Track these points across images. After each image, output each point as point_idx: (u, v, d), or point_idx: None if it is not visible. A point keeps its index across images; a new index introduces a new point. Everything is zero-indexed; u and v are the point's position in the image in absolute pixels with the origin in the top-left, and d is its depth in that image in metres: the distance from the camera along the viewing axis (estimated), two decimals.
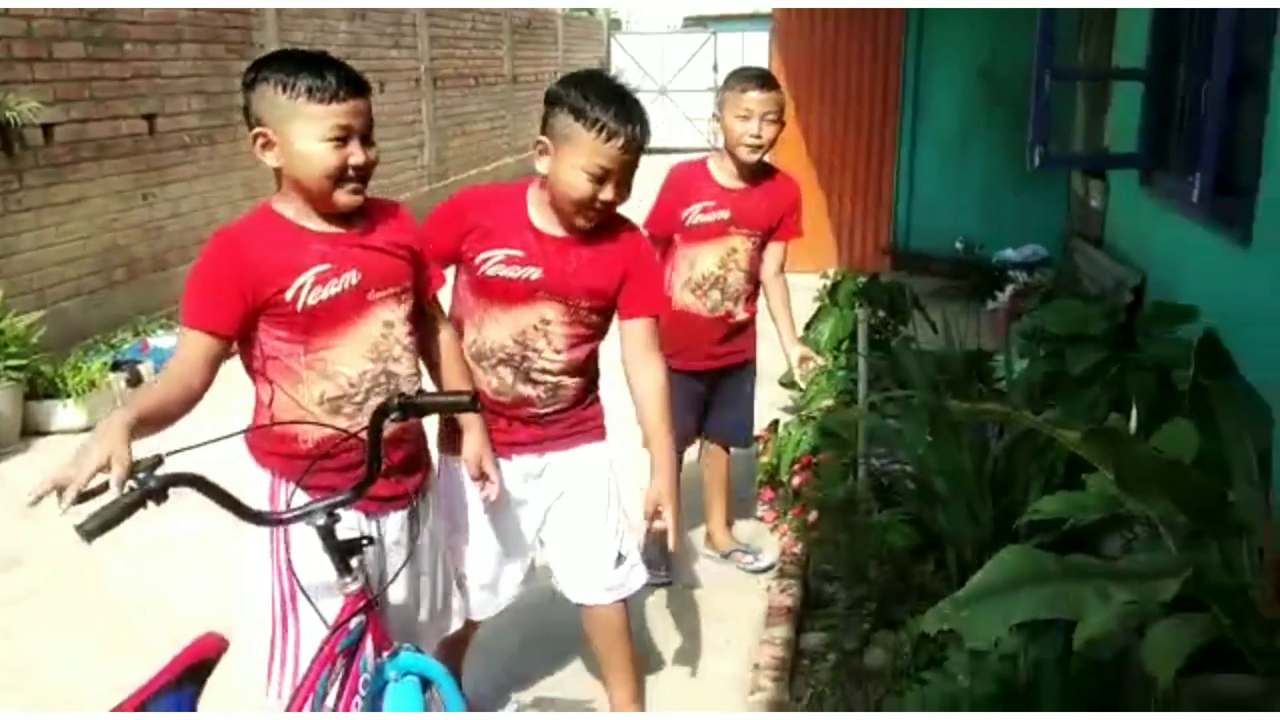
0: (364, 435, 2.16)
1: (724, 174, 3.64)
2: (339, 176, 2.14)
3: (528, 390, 2.66)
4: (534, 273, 2.56)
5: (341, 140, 2.12)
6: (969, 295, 7.48)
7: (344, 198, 2.17)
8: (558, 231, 2.58)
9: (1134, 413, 3.10)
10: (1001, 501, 3.33)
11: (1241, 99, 4.19)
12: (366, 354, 2.25)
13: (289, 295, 2.15)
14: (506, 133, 15.84)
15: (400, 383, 2.30)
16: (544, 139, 2.49)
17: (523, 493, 2.76)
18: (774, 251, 3.74)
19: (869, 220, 9.56)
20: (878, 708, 2.84)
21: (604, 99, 2.43)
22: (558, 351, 2.64)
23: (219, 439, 2.10)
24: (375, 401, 2.23)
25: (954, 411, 3.21)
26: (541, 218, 2.58)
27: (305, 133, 2.10)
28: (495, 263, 2.57)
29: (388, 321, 2.28)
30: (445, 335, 2.53)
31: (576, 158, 2.44)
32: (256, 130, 2.13)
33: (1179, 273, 4.78)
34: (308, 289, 2.16)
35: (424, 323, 2.45)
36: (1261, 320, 3.55)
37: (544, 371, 2.65)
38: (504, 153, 15.65)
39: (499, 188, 2.71)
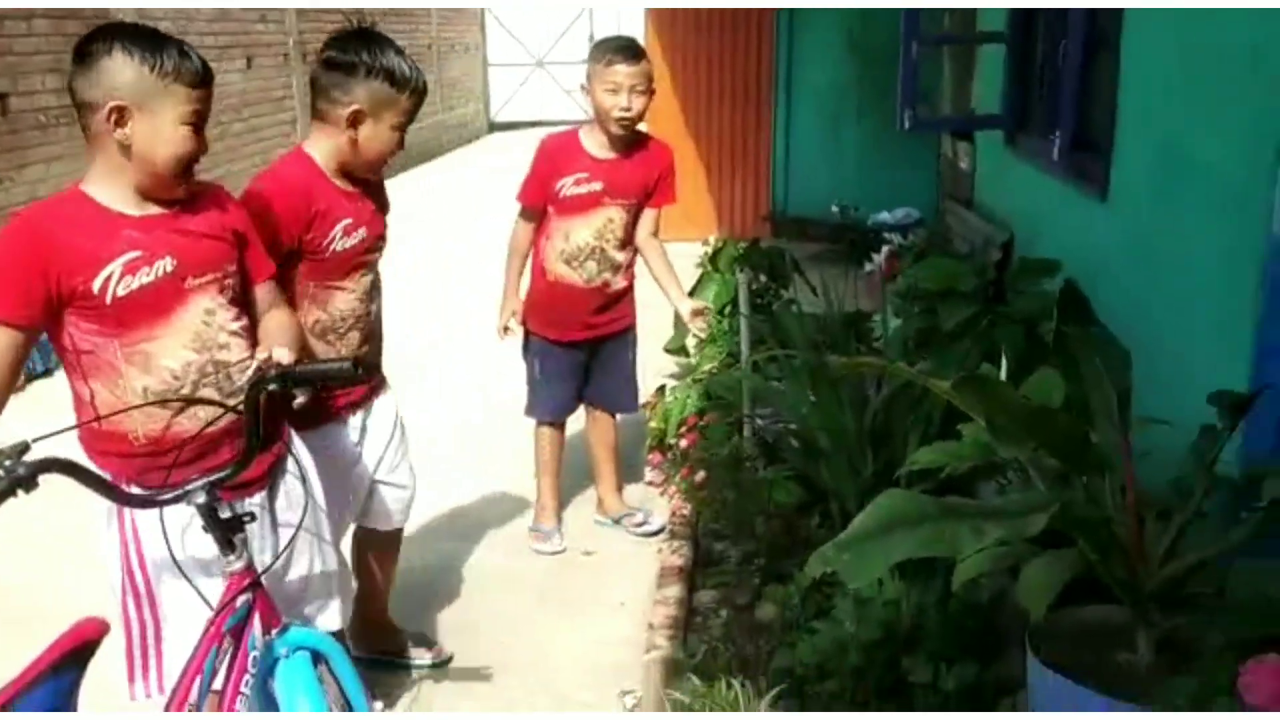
0: (223, 416, 2.13)
1: (595, 145, 3.61)
2: (189, 162, 2.08)
3: (367, 346, 2.77)
4: (362, 233, 2.68)
5: (197, 125, 2.06)
6: (847, 258, 7.62)
7: (181, 185, 2.12)
8: (351, 188, 2.69)
9: (1003, 363, 3.23)
10: (882, 454, 3.43)
11: (1096, 60, 4.34)
12: (189, 344, 2.14)
13: (95, 287, 2.02)
14: None
15: (231, 370, 2.19)
16: (358, 107, 2.54)
17: (360, 445, 2.84)
18: (647, 216, 3.73)
19: (748, 188, 9.67)
20: (769, 659, 2.91)
21: (398, 57, 2.57)
22: (379, 296, 2.82)
23: (85, 423, 2.05)
24: (206, 394, 2.16)
25: (834, 367, 3.29)
26: (340, 180, 2.66)
27: (170, 114, 2.02)
28: (340, 237, 2.63)
29: (209, 309, 2.16)
30: (283, 315, 2.37)
31: (394, 119, 2.59)
32: (114, 104, 1.99)
33: (1043, 229, 4.94)
34: (116, 279, 2.03)
35: (257, 306, 2.33)
36: (1119, 270, 3.71)
37: (375, 321, 2.81)
38: None
39: (293, 168, 2.65)
